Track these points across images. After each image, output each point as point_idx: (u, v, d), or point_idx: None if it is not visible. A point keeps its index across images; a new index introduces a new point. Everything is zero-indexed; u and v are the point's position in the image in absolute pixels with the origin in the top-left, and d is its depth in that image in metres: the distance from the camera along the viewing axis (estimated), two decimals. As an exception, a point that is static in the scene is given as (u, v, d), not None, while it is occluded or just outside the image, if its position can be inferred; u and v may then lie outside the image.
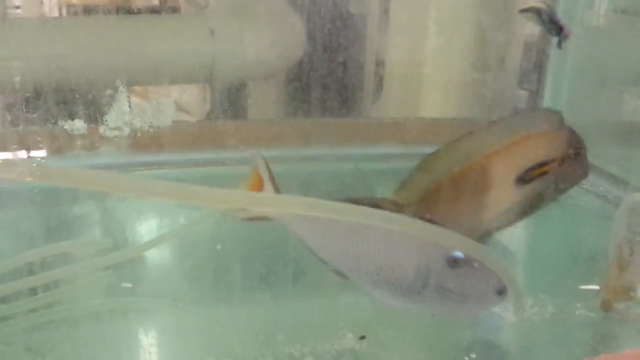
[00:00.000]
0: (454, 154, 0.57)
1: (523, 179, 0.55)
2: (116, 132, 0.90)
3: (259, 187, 0.56)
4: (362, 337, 0.55)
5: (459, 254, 0.51)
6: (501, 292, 0.51)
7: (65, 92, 0.87)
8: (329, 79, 1.00)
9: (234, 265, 0.66)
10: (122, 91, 0.90)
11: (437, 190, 0.57)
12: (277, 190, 0.55)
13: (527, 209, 0.57)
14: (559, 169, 0.56)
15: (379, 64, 1.09)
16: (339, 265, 0.54)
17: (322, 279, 0.57)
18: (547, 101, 1.00)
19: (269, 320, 0.58)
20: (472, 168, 0.56)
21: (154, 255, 0.66)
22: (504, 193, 0.56)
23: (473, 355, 0.53)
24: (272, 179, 0.56)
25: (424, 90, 1.08)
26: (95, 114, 0.90)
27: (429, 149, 0.60)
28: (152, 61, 0.99)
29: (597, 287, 0.60)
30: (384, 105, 1.15)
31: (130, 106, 0.92)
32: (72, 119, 0.88)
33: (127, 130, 0.90)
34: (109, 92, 0.89)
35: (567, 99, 0.98)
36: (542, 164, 0.55)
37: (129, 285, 0.61)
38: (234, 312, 0.60)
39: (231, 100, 1.06)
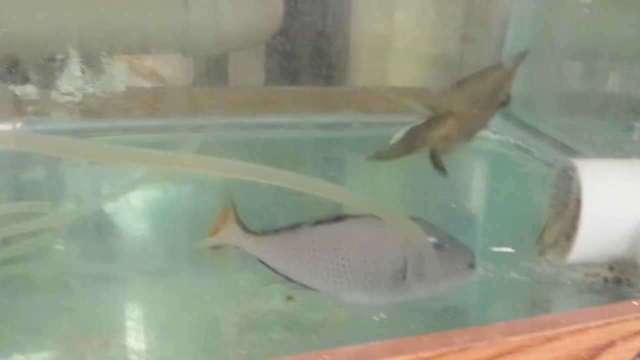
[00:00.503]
0: None
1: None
2: (68, 98, 0.89)
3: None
4: (290, 298, 0.54)
5: (432, 239, 0.53)
6: (472, 265, 0.53)
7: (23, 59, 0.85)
8: (303, 49, 0.98)
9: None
10: (74, 56, 0.89)
11: None
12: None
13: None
14: None
15: (350, 34, 1.09)
16: (307, 280, 0.54)
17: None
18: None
19: (198, 282, 0.57)
20: None
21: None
22: None
23: (382, 315, 0.53)
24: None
25: (392, 61, 1.08)
26: (47, 79, 0.88)
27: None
28: (123, 29, 0.97)
29: (510, 250, 0.61)
30: (354, 75, 1.14)
31: (83, 71, 0.91)
32: (24, 84, 0.86)
33: (79, 96, 0.89)
34: (60, 56, 0.88)
35: (524, 71, 0.98)
36: None
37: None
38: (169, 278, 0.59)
39: (211, 70, 1.04)
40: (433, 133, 0.68)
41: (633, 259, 0.56)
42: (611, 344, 0.47)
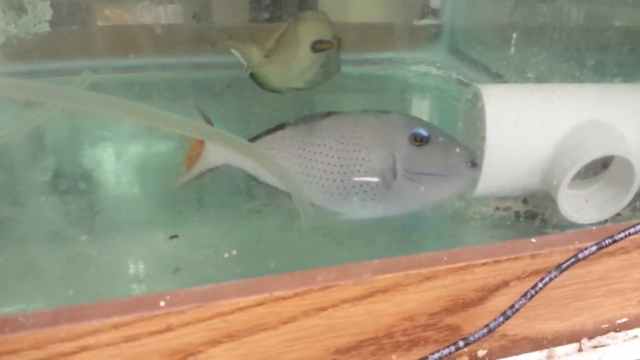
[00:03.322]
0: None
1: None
2: (-10, 40, 0.84)
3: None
4: (173, 237, 0.50)
5: (421, 130, 0.48)
6: (474, 163, 0.48)
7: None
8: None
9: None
10: (-7, -5, 0.84)
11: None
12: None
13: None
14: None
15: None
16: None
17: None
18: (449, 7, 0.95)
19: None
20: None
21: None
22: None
23: (234, 252, 0.48)
24: None
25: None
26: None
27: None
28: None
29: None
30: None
31: (3, 11, 0.86)
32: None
33: (1, 38, 0.85)
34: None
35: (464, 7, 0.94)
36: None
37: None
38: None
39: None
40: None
41: (548, 190, 0.51)
42: (504, 284, 0.43)
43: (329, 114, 0.52)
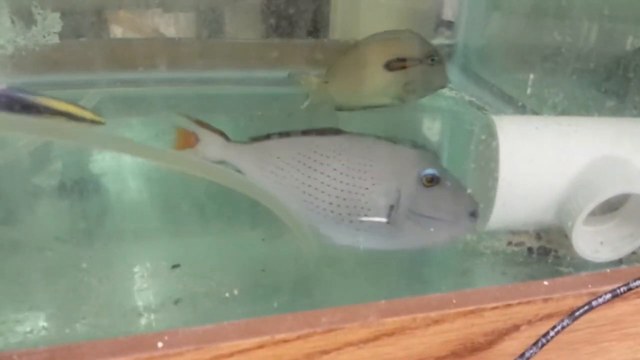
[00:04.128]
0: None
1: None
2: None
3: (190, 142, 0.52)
4: (175, 266, 0.49)
5: (432, 170, 0.46)
6: (474, 213, 0.46)
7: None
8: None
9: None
10: (3, 7, 0.84)
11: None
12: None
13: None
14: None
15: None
16: (290, 203, 0.48)
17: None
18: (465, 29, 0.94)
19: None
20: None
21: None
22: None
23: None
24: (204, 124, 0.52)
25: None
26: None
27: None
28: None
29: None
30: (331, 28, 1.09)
31: (13, 22, 0.86)
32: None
33: (10, 49, 0.85)
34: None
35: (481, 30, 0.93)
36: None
37: None
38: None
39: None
40: None
41: (562, 226, 0.49)
42: (514, 328, 0.41)
43: (338, 131, 0.50)
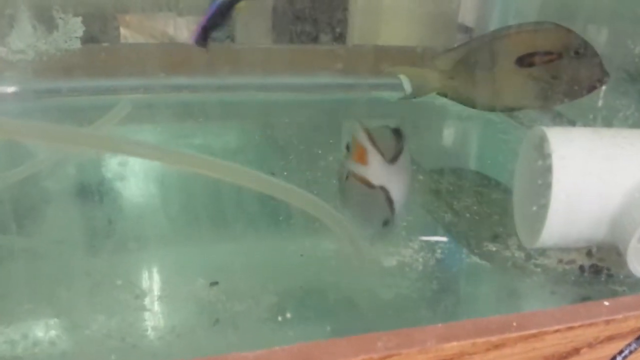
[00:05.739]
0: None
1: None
2: (20, 56, 0.84)
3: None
4: (214, 284, 0.47)
5: None
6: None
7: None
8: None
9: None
10: (24, 11, 0.83)
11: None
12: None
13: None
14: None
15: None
16: None
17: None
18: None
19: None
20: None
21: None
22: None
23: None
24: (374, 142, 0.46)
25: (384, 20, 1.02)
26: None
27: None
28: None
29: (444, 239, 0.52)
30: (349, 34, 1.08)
31: (35, 27, 0.85)
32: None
33: (31, 54, 0.84)
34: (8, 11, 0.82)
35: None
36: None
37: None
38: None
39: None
40: None
41: (615, 243, 0.47)
42: (574, 352, 0.39)
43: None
